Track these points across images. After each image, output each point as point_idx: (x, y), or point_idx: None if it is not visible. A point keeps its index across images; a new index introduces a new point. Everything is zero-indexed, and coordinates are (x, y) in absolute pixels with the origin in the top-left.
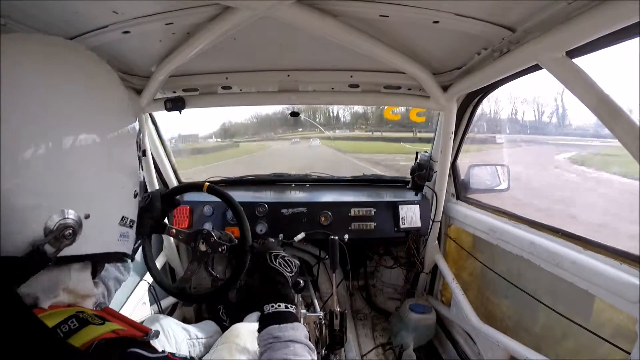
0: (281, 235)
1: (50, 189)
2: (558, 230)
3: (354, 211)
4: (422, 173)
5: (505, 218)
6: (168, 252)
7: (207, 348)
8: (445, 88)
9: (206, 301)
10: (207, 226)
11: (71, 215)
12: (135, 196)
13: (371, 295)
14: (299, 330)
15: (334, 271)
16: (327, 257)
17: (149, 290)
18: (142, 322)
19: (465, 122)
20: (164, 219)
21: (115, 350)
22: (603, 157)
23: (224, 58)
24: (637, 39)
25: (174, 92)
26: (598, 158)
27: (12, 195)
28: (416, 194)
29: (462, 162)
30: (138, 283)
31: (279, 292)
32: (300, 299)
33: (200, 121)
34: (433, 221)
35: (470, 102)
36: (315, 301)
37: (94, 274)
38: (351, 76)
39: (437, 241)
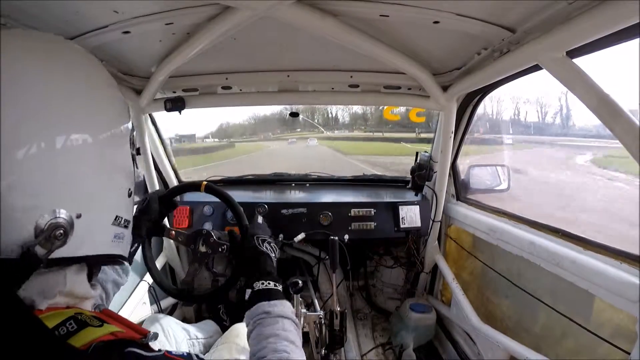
0: (281, 236)
1: (41, 188)
2: (558, 230)
3: (354, 211)
4: (422, 173)
5: (505, 218)
6: (168, 252)
7: (207, 348)
8: (445, 88)
9: (206, 301)
10: (207, 226)
11: (62, 215)
12: (129, 195)
13: (371, 295)
14: (286, 307)
15: (334, 271)
16: (327, 257)
17: (149, 290)
18: (142, 322)
19: (465, 122)
20: (163, 221)
21: (113, 352)
22: (621, 159)
23: (224, 58)
24: (637, 39)
25: (174, 92)
26: (618, 160)
27: (5, 193)
28: (416, 194)
29: (472, 163)
30: (138, 283)
31: (268, 271)
32: (300, 299)
33: (190, 121)
34: (433, 221)
35: (470, 102)
36: (315, 301)
37: (90, 277)
38: (351, 76)
39: (437, 241)
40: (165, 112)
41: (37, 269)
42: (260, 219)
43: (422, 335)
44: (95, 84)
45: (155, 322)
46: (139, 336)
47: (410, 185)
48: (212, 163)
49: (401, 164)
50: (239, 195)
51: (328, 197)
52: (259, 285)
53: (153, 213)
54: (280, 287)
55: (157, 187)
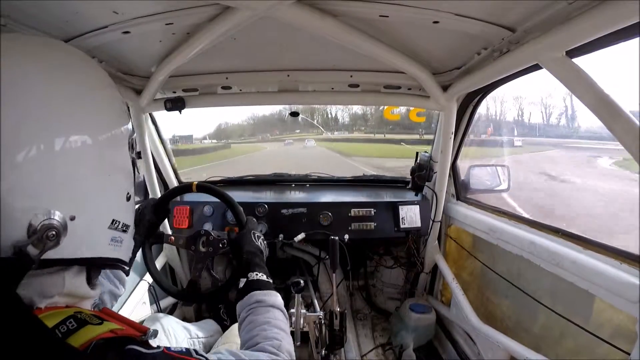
0: (281, 236)
1: (38, 188)
2: (558, 230)
3: (354, 211)
4: (422, 173)
5: (505, 218)
6: (168, 252)
7: (208, 347)
8: (445, 88)
9: (206, 301)
10: (207, 226)
11: (56, 216)
12: (128, 199)
13: (371, 295)
14: (278, 298)
15: (334, 271)
16: (327, 257)
17: (149, 290)
18: (143, 321)
19: (465, 122)
20: (158, 229)
21: (113, 349)
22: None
23: (224, 58)
24: (637, 39)
25: (174, 92)
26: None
27: (4, 194)
28: (416, 194)
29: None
30: (138, 283)
31: (261, 265)
32: (300, 299)
33: (188, 122)
34: (433, 221)
35: (470, 102)
36: (315, 301)
37: (89, 280)
38: (351, 76)
39: (437, 241)
40: (164, 112)
41: (30, 269)
42: (254, 220)
43: (422, 335)
44: (94, 85)
45: (155, 321)
46: (139, 334)
47: (410, 185)
48: (197, 166)
49: (407, 167)
50: (239, 196)
51: (328, 197)
52: (253, 275)
53: (147, 223)
54: (271, 281)
55: (157, 188)
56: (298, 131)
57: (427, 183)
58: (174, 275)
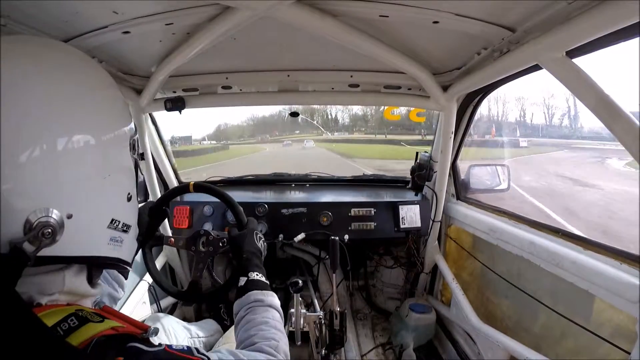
0: (281, 236)
1: (37, 188)
2: (558, 230)
3: (354, 211)
4: (422, 173)
5: (505, 218)
6: (168, 252)
7: (208, 346)
8: (445, 88)
9: (206, 301)
10: (207, 226)
11: (53, 214)
12: (129, 199)
13: (371, 295)
14: (275, 299)
15: (334, 271)
16: (327, 257)
17: (149, 290)
18: (143, 321)
19: (465, 122)
20: (155, 231)
21: (114, 346)
22: None
23: (224, 58)
24: (637, 39)
25: (174, 92)
26: None
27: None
28: (416, 194)
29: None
30: (138, 283)
31: (260, 266)
32: (300, 298)
33: (187, 122)
34: (433, 221)
35: (470, 102)
36: (315, 301)
37: (90, 279)
38: (351, 76)
39: (437, 241)
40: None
41: (26, 265)
42: (254, 220)
43: (422, 335)
44: (94, 85)
45: (156, 321)
46: (140, 331)
47: (410, 185)
48: (194, 167)
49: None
50: (239, 196)
51: (328, 197)
52: (253, 275)
53: (145, 225)
54: (268, 282)
55: (157, 188)
56: (297, 132)
57: (427, 183)
58: (174, 275)
